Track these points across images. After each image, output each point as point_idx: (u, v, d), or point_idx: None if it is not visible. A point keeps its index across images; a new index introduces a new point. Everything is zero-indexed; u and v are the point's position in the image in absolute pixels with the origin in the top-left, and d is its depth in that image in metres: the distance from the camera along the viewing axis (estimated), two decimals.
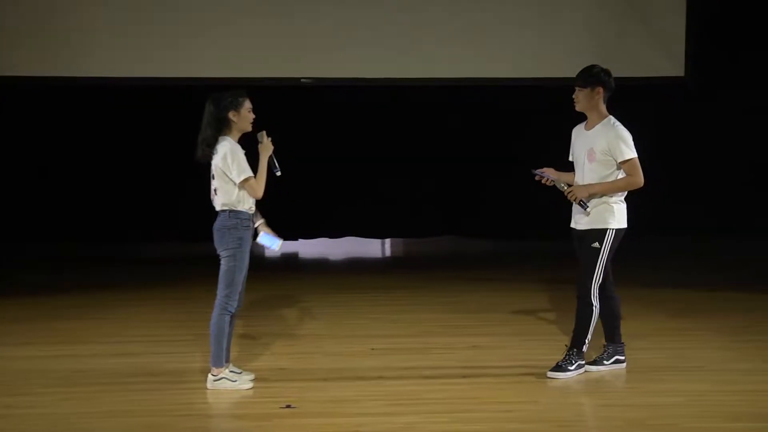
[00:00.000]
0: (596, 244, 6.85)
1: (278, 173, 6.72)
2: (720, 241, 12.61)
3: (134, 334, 8.36)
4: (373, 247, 13.33)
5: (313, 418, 6.14)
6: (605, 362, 7.13)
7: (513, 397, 6.52)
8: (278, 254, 12.95)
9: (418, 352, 7.70)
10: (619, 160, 6.80)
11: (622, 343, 7.19)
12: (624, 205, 6.92)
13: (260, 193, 6.62)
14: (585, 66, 7.00)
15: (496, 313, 9.11)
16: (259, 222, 6.83)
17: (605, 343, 7.18)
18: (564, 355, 7.02)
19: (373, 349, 7.77)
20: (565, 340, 8.00)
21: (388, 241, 13.56)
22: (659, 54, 12.23)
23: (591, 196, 6.83)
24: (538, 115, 12.63)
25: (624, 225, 6.90)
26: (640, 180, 6.81)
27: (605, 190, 6.83)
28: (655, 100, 12.36)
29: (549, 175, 6.96)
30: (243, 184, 6.56)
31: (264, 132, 6.69)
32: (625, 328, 8.14)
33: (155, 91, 12.31)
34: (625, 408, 6.29)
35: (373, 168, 12.80)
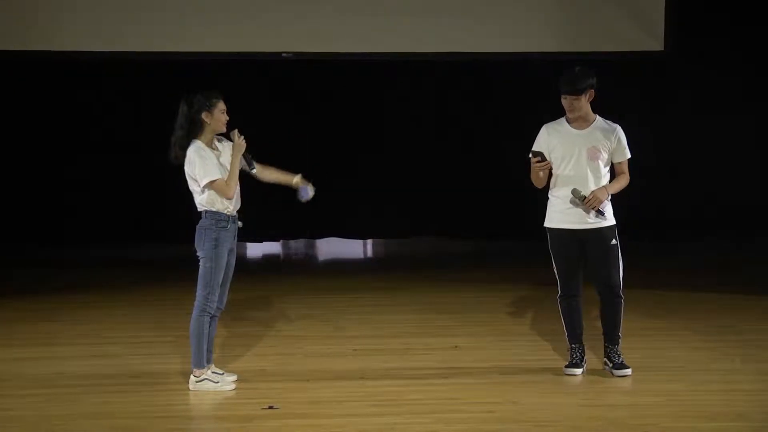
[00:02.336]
0: (614, 241, 6.91)
1: (253, 170, 6.73)
2: (698, 239, 12.64)
3: (113, 335, 8.34)
4: (354, 248, 13.33)
5: (295, 419, 6.14)
6: (583, 363, 7.12)
7: (493, 397, 6.53)
8: (260, 255, 12.99)
9: (399, 352, 7.71)
10: (620, 160, 6.87)
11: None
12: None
13: (231, 193, 6.59)
14: (566, 73, 6.87)
15: (476, 313, 9.13)
16: (296, 178, 6.93)
17: (575, 345, 7.14)
18: (614, 354, 7.05)
19: (355, 350, 7.77)
20: (544, 340, 8.03)
21: (369, 241, 13.56)
22: (638, 28, 12.12)
23: (610, 193, 6.88)
24: (520, 101, 12.52)
25: None
26: (629, 179, 6.94)
27: (618, 189, 6.88)
28: (633, 75, 12.29)
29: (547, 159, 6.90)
30: (210, 187, 6.55)
31: (236, 131, 6.69)
32: (599, 327, 8.19)
33: (130, 68, 12.14)
34: (605, 408, 6.31)
35: (354, 165, 12.77)
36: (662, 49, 12.17)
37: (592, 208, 6.81)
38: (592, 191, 6.82)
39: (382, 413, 6.22)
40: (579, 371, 7.04)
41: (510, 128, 12.68)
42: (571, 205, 6.89)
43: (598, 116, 6.95)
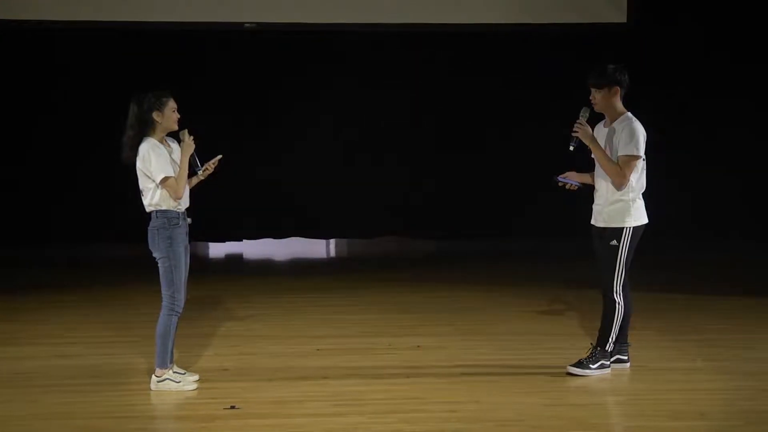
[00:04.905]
0: (614, 242, 6.91)
1: (199, 171, 6.74)
2: (662, 239, 12.64)
3: (74, 335, 8.28)
4: (317, 248, 13.30)
5: (257, 419, 6.13)
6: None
7: (456, 396, 6.54)
8: (222, 255, 12.93)
9: (362, 352, 7.70)
10: (619, 153, 6.83)
11: (627, 342, 7.23)
12: (641, 202, 6.95)
13: (180, 193, 6.60)
14: (598, 66, 6.99)
15: (438, 313, 9.13)
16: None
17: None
18: (588, 353, 7.06)
19: (318, 349, 7.76)
20: (507, 340, 8.06)
21: (332, 241, 13.54)
22: None
23: (588, 141, 6.85)
24: (498, 83, 12.40)
25: (642, 221, 6.94)
26: (624, 178, 6.82)
27: (601, 156, 6.85)
28: (595, 47, 12.05)
29: (573, 180, 7.00)
30: (162, 184, 6.55)
31: (186, 130, 6.69)
32: (568, 327, 8.23)
33: (83, 39, 11.89)
34: (567, 407, 6.33)
35: (317, 161, 12.70)
36: (625, 21, 12.07)
37: (575, 132, 6.86)
38: (585, 126, 6.85)
39: (345, 413, 6.22)
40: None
41: (473, 113, 12.61)
42: (596, 202, 7.01)
43: (627, 114, 6.95)
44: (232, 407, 6.31)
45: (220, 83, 12.30)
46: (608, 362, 7.05)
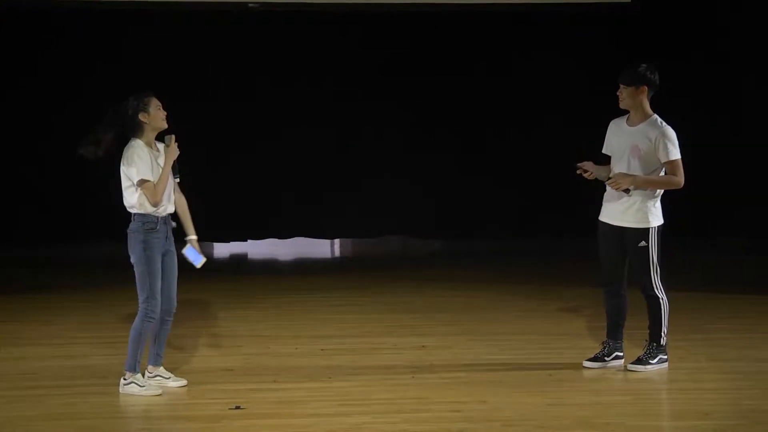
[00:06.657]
0: (643, 243, 6.99)
1: (177, 180, 6.61)
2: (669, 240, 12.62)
3: (80, 335, 8.29)
4: (322, 248, 13.32)
5: (262, 419, 6.13)
6: (607, 358, 7.19)
7: (461, 396, 6.54)
8: (227, 255, 12.94)
9: (366, 352, 7.71)
10: (663, 160, 6.91)
11: (621, 339, 7.27)
12: (659, 202, 7.05)
13: (158, 198, 6.48)
14: (630, 64, 7.04)
15: (443, 313, 9.14)
16: (191, 237, 6.73)
17: (605, 340, 7.24)
18: (645, 350, 7.12)
19: (322, 349, 7.77)
20: (511, 339, 8.07)
21: (337, 241, 13.55)
22: None
23: (634, 186, 6.91)
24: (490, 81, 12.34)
25: (662, 221, 7.05)
26: (681, 180, 6.93)
27: (647, 183, 6.92)
28: (599, 27, 12.11)
29: (591, 168, 7.03)
30: (141, 187, 6.47)
31: (173, 136, 6.57)
32: (571, 326, 8.23)
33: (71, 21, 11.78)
34: (572, 407, 6.34)
35: (320, 161, 12.70)
36: (629, 0, 11.95)
37: (616, 189, 6.91)
38: (616, 173, 6.92)
39: (350, 413, 6.22)
40: (595, 365, 7.14)
41: (473, 111, 12.54)
42: (611, 199, 7.03)
43: (655, 116, 7.01)
44: (237, 407, 6.32)
45: (221, 77, 12.26)
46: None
